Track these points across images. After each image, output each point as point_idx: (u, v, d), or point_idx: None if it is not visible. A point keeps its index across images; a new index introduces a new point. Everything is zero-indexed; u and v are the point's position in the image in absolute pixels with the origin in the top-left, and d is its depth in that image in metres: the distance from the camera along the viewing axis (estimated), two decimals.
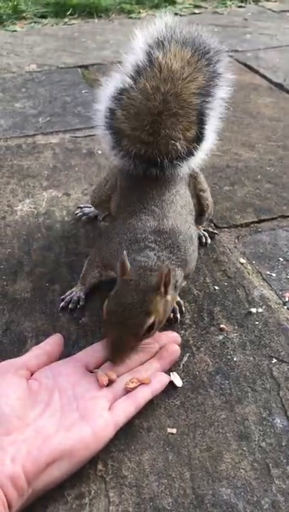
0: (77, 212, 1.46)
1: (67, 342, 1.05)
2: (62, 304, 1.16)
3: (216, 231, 1.41)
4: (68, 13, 3.45)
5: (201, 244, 1.35)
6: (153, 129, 1.13)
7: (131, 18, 3.54)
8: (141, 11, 3.67)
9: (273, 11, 3.79)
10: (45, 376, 0.89)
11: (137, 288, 0.93)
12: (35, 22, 3.35)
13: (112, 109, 1.15)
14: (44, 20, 3.39)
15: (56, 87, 2.36)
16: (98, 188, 1.35)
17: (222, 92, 1.16)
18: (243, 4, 3.94)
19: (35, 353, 0.94)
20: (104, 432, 0.83)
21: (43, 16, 3.45)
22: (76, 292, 1.17)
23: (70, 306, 1.15)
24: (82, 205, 1.48)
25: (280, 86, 2.43)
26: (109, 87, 1.16)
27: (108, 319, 0.94)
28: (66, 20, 3.40)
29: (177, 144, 1.14)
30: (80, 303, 1.16)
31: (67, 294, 1.18)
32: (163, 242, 1.03)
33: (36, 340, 1.06)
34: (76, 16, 3.46)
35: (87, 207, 1.46)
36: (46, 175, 1.66)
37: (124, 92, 1.13)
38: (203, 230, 1.39)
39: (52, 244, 1.35)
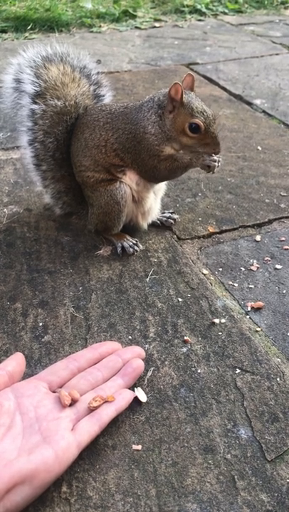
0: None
1: (29, 361, 1.04)
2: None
3: (174, 216, 1.50)
4: (29, 27, 3.44)
5: (166, 226, 1.49)
6: None
7: (92, 32, 3.55)
8: (102, 25, 3.69)
9: (232, 25, 3.88)
10: (7, 398, 0.87)
11: None
12: None
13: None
14: (4, 35, 3.37)
15: None
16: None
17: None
18: (202, 18, 4.02)
19: None
20: (67, 454, 0.82)
21: (3, 31, 3.42)
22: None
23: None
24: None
25: (239, 97, 2.48)
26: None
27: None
28: (27, 35, 3.38)
29: None
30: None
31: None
32: None
33: None
34: (37, 30, 3.45)
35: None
36: (7, 191, 1.64)
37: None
38: (162, 214, 1.49)
39: (13, 261, 1.32)
